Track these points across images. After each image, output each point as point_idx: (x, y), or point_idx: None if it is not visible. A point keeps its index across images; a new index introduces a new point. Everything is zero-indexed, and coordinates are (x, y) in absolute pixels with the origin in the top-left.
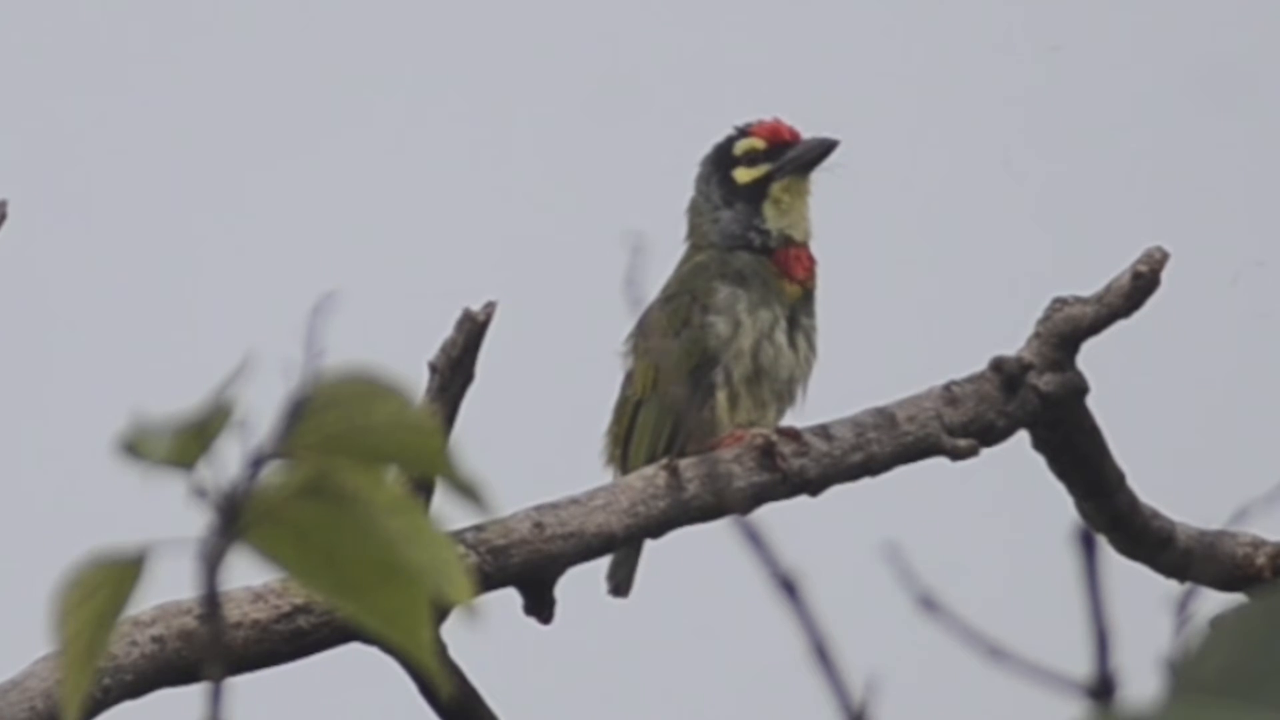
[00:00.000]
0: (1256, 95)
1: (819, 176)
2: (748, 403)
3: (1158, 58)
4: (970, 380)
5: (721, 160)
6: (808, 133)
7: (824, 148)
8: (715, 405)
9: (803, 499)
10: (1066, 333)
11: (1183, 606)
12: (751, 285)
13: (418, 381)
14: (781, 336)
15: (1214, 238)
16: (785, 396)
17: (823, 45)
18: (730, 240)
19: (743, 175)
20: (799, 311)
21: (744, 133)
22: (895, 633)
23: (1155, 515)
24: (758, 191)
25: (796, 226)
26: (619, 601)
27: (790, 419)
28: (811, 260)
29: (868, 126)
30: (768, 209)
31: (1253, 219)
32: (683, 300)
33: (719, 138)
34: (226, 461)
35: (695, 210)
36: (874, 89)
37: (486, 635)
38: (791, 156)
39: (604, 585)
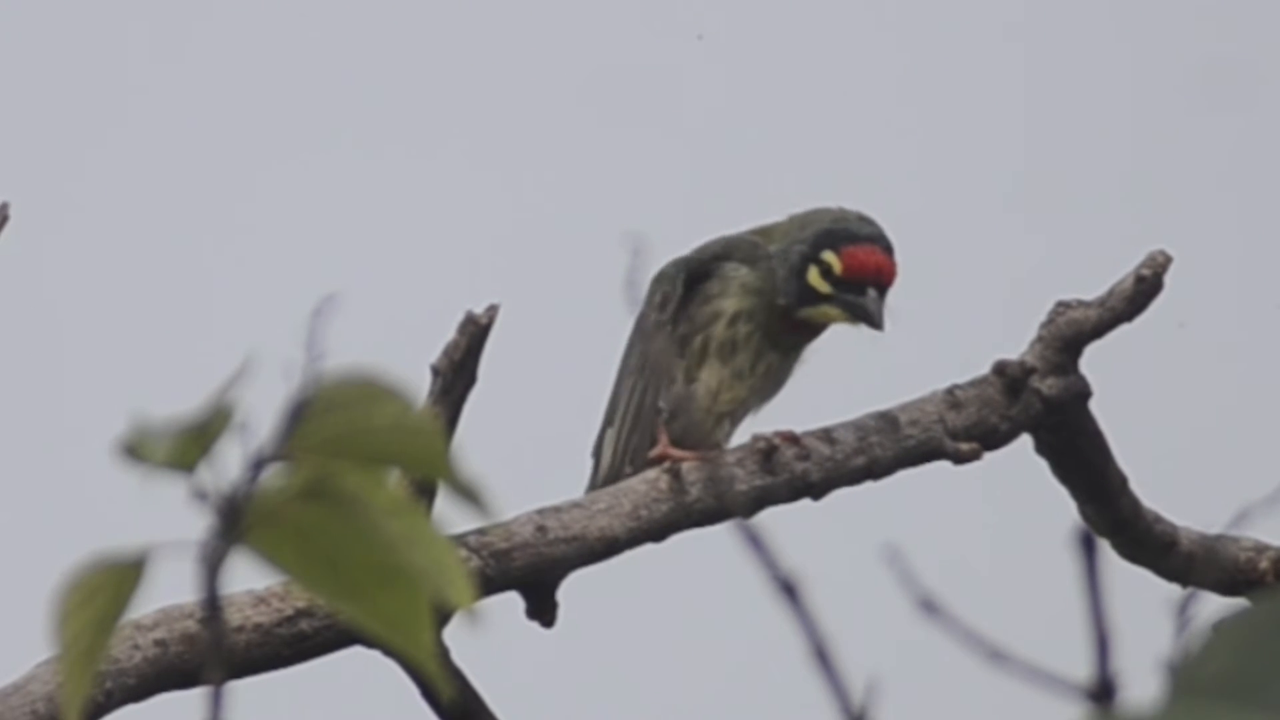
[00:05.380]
0: (1256, 95)
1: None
2: (715, 363)
3: (1158, 58)
4: (973, 384)
5: (819, 244)
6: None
7: (868, 324)
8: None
9: (805, 502)
10: (1069, 336)
11: (1183, 610)
12: (757, 305)
13: (420, 384)
14: (747, 354)
15: (1216, 239)
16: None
17: (819, 45)
18: (781, 285)
19: (814, 278)
20: (782, 349)
21: (848, 243)
22: (896, 636)
23: (1158, 520)
24: (813, 296)
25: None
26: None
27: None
28: (814, 332)
29: (868, 127)
30: (808, 311)
31: (1253, 219)
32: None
33: (838, 219)
34: (227, 464)
35: (780, 231)
36: (872, 90)
37: (489, 639)
38: (843, 301)
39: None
